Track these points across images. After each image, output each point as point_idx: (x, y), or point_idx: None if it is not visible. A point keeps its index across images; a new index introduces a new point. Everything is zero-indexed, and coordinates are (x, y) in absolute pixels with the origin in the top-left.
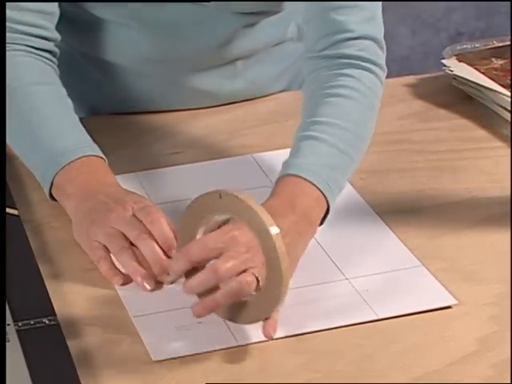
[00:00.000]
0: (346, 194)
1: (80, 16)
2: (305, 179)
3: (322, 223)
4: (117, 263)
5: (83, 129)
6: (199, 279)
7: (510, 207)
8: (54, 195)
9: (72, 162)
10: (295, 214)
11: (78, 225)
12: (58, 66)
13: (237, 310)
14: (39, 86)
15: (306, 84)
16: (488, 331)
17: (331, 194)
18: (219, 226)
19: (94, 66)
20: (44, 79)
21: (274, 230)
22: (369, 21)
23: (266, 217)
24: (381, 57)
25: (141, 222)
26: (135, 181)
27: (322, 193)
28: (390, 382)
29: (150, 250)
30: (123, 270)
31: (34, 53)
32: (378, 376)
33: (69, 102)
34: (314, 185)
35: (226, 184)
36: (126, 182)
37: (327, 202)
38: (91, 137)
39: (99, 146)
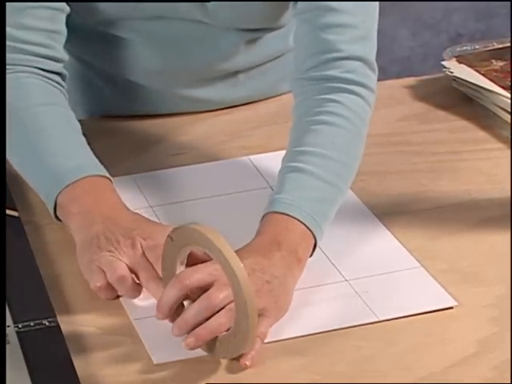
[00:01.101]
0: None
1: (82, 27)
2: (289, 215)
3: (311, 255)
4: None
5: (90, 150)
6: (195, 309)
7: (509, 209)
8: (59, 215)
9: (76, 181)
10: (281, 251)
11: (81, 248)
12: None
13: (213, 345)
14: (47, 107)
15: (294, 108)
16: (488, 333)
17: (317, 228)
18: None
19: (96, 74)
20: (52, 100)
21: (239, 267)
22: (361, 40)
23: (231, 256)
24: (371, 78)
25: (149, 262)
26: (132, 183)
27: (308, 227)
28: (391, 383)
29: (159, 293)
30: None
31: (42, 75)
32: (378, 377)
33: (76, 123)
34: (299, 220)
35: (223, 186)
36: (123, 184)
37: (314, 236)
38: (94, 138)
39: (102, 148)
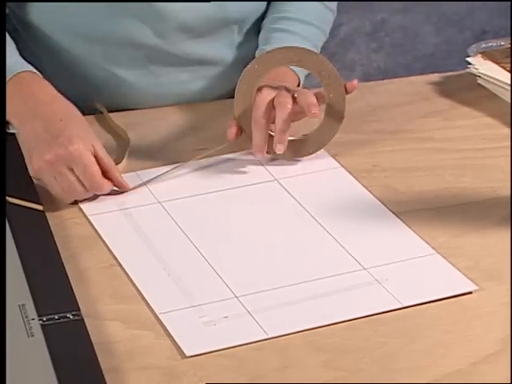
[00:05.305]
0: (354, 190)
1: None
2: None
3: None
4: None
5: (15, 50)
6: (279, 124)
7: None
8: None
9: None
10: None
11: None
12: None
13: (297, 146)
14: None
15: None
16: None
17: (301, 73)
18: None
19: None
20: None
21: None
22: None
23: None
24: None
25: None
26: (137, 180)
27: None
28: (414, 382)
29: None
30: None
31: None
32: (401, 375)
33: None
34: None
35: (229, 180)
36: (129, 181)
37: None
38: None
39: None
